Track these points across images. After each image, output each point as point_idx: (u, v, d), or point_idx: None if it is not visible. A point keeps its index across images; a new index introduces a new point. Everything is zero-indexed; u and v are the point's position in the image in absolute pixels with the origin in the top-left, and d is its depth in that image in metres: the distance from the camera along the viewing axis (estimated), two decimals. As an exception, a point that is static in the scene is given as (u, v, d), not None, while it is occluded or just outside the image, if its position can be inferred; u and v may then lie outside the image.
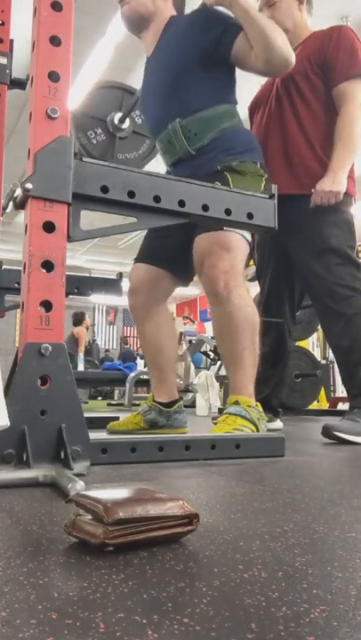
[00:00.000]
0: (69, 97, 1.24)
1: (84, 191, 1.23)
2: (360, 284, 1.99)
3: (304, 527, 0.69)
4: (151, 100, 1.99)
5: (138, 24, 1.99)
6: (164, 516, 0.59)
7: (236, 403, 1.66)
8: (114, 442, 1.25)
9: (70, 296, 2.22)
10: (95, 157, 2.16)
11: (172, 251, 1.97)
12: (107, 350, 13.01)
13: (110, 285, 2.80)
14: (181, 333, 7.06)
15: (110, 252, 11.62)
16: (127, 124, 2.33)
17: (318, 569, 0.53)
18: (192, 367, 5.31)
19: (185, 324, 11.66)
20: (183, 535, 0.61)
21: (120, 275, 2.82)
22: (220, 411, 1.80)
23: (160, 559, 0.55)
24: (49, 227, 1.17)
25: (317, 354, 5.57)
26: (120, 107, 2.25)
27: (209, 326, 7.16)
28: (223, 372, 4.52)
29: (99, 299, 12.97)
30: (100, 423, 2.18)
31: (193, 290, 11.59)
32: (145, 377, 4.73)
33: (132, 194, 1.28)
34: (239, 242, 1.77)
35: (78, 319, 8.14)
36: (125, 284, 2.43)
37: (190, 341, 6.45)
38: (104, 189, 1.25)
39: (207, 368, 6.08)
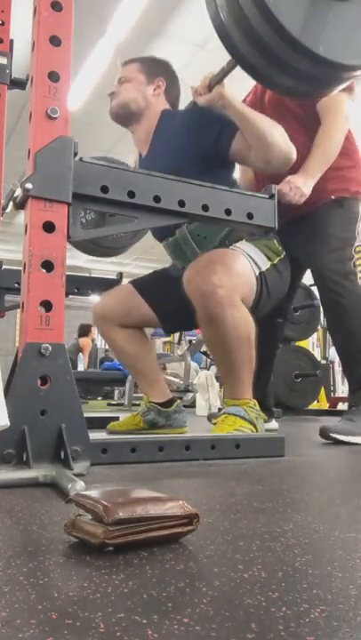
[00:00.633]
0: (69, 97, 1.25)
1: (84, 191, 1.23)
2: (353, 276, 1.98)
3: (304, 527, 0.69)
4: None
5: (127, 119, 1.95)
6: (164, 516, 0.59)
7: (235, 403, 1.66)
8: (114, 442, 1.25)
9: (70, 296, 2.22)
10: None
11: (170, 299, 1.91)
12: (106, 350, 12.96)
13: (110, 285, 2.80)
14: (181, 333, 7.04)
15: (110, 252, 11.60)
16: None
17: (318, 569, 0.53)
18: (197, 367, 5.29)
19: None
20: (183, 535, 0.61)
21: (120, 275, 2.82)
22: (220, 411, 1.80)
23: (160, 559, 0.55)
24: (49, 227, 1.17)
25: (317, 354, 5.57)
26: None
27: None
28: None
29: (99, 299, 12.93)
30: (100, 423, 2.18)
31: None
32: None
33: (132, 194, 1.28)
34: (242, 262, 1.69)
35: (84, 331, 8.13)
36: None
37: (190, 341, 6.44)
38: (104, 189, 1.25)
39: (207, 368, 6.08)
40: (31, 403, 1.10)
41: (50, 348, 1.12)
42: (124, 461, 1.22)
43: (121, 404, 5.30)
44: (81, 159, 1.24)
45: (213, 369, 5.42)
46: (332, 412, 3.85)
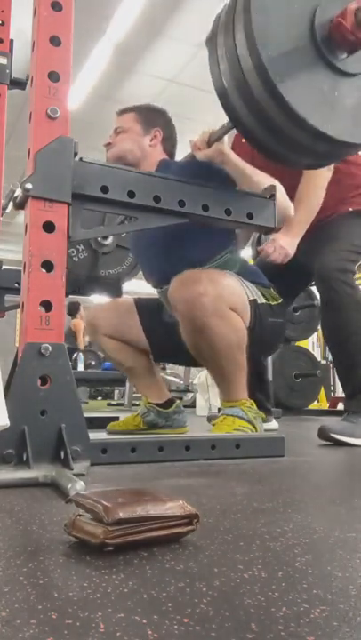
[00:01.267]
0: (69, 97, 1.25)
1: (84, 191, 1.23)
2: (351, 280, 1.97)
3: (304, 527, 0.69)
4: (150, 250, 1.94)
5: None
6: (164, 516, 0.59)
7: (231, 405, 1.65)
8: (114, 442, 1.25)
9: (70, 296, 2.22)
10: (78, 275, 2.15)
11: (167, 336, 1.87)
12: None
13: (110, 285, 2.80)
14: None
15: (110, 252, 11.60)
16: (110, 239, 2.26)
17: (318, 569, 0.53)
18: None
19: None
20: (183, 535, 0.61)
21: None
22: (220, 411, 1.80)
23: (160, 559, 0.55)
24: (49, 227, 1.17)
25: (317, 354, 5.58)
26: (103, 222, 2.06)
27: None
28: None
29: (99, 299, 12.91)
30: (99, 423, 2.18)
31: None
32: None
33: (132, 194, 1.28)
34: (231, 280, 1.68)
35: (73, 309, 7.88)
36: (126, 285, 2.43)
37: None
38: (104, 189, 1.25)
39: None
40: (31, 403, 1.10)
41: (50, 348, 1.12)
42: (124, 461, 1.22)
43: (121, 404, 5.30)
44: (81, 159, 1.24)
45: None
46: (332, 412, 3.85)
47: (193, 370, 5.28)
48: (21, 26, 1.93)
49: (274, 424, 2.38)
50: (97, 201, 1.26)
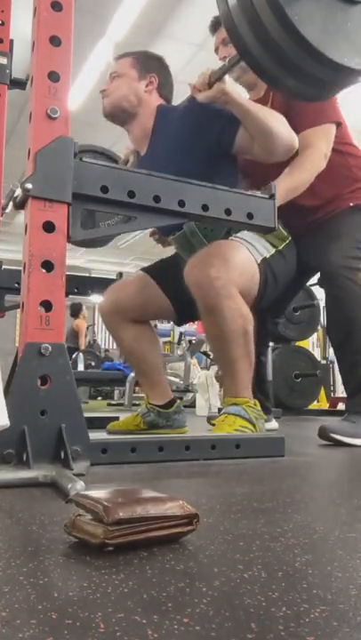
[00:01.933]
0: (69, 97, 1.24)
1: (84, 191, 1.22)
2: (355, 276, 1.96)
3: (304, 527, 0.69)
4: None
5: (121, 118, 1.92)
6: (164, 516, 0.59)
7: (235, 402, 1.66)
8: (114, 442, 1.25)
9: (70, 296, 2.22)
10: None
11: (183, 286, 1.87)
12: (106, 350, 12.97)
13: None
14: (181, 333, 7.04)
15: (110, 252, 11.61)
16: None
17: (318, 569, 0.53)
18: (198, 366, 5.28)
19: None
20: (183, 535, 0.61)
21: (120, 275, 2.81)
22: (220, 411, 1.79)
23: (160, 559, 0.55)
24: (49, 227, 1.17)
25: (317, 354, 5.58)
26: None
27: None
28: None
29: (99, 299, 12.92)
30: (99, 423, 2.18)
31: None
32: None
33: (132, 194, 1.28)
34: (241, 253, 1.72)
35: (75, 310, 7.97)
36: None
37: (190, 341, 6.44)
38: (104, 189, 1.24)
39: (207, 368, 6.08)
40: (31, 403, 1.10)
41: (50, 348, 1.12)
42: (124, 461, 1.22)
43: (121, 404, 5.30)
44: (81, 159, 1.23)
45: (213, 369, 5.43)
46: (332, 412, 3.85)
47: (193, 370, 5.28)
48: (21, 26, 1.94)
49: (274, 424, 2.38)
50: (97, 201, 1.26)
